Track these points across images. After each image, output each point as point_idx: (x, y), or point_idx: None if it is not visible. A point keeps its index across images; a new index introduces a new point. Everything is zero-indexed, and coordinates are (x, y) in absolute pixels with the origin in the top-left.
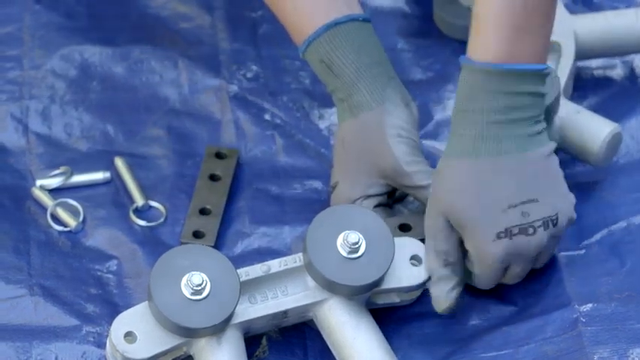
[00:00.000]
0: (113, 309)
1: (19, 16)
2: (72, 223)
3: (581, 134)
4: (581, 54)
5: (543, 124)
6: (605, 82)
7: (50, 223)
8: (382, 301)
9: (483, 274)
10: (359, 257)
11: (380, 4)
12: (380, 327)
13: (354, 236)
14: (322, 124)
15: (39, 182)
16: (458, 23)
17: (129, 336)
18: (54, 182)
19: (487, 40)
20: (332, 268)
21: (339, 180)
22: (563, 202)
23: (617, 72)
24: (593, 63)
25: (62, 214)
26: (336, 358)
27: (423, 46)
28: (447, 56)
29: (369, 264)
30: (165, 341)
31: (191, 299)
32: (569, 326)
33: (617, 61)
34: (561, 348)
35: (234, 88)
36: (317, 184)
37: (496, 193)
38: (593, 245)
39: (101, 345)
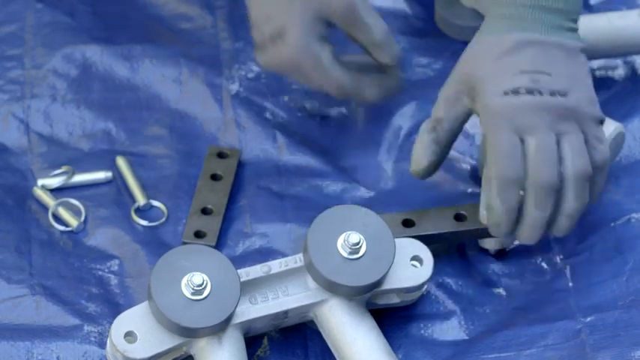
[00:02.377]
0: (114, 309)
1: (20, 15)
2: (73, 222)
3: None
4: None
5: (575, 27)
6: (607, 82)
7: (52, 222)
8: (383, 301)
9: (495, 144)
10: (360, 258)
11: (381, 4)
12: (381, 327)
13: (355, 237)
14: (324, 125)
15: (40, 182)
16: (459, 24)
17: (129, 336)
18: (55, 182)
19: None
20: (332, 268)
21: (284, 24)
22: (580, 90)
23: (619, 72)
24: (595, 64)
25: (64, 213)
26: (337, 358)
27: (424, 46)
28: (448, 56)
29: (370, 265)
30: (166, 341)
31: (191, 299)
32: (572, 335)
33: (618, 61)
34: (563, 355)
35: (235, 87)
36: (319, 183)
37: (511, 59)
38: (596, 244)
39: (102, 345)
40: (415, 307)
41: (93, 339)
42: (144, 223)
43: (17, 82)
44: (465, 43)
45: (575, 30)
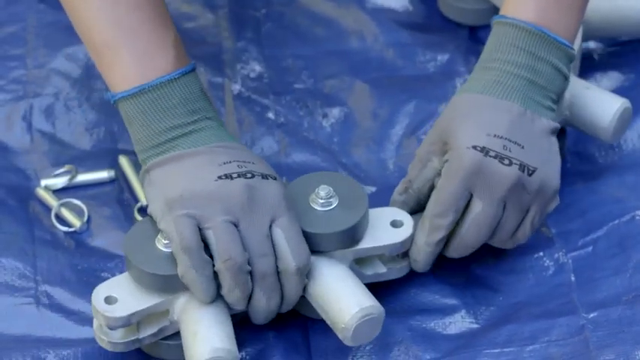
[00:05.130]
0: None
1: (23, 16)
2: (76, 223)
3: (591, 109)
4: (588, 34)
5: (553, 107)
6: (612, 76)
7: (55, 223)
8: (369, 270)
9: (444, 189)
10: (332, 209)
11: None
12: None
13: (324, 189)
14: (326, 122)
15: (43, 182)
16: (462, 7)
17: (109, 299)
18: (58, 182)
19: (526, 1)
20: (306, 221)
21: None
22: (548, 171)
23: (624, 71)
24: (599, 62)
25: (67, 214)
26: (325, 318)
27: (427, 41)
28: (450, 52)
29: (343, 214)
30: (146, 300)
31: (166, 251)
32: (576, 332)
33: (623, 61)
34: (566, 352)
35: (237, 87)
36: None
37: (487, 122)
38: (600, 240)
39: (110, 351)
40: (418, 301)
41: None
42: None
43: (20, 81)
44: (469, 38)
45: (552, 109)
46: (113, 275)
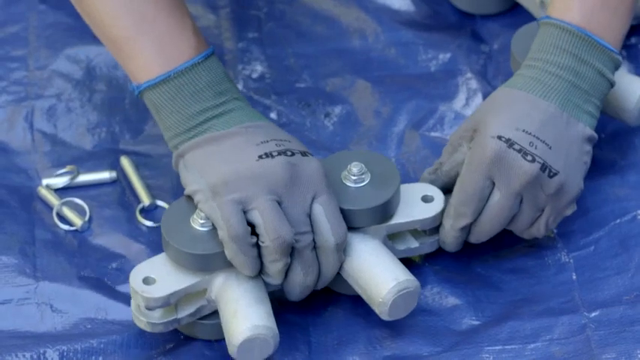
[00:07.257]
0: (120, 310)
1: (24, 16)
2: (78, 222)
3: (616, 92)
4: None
5: (595, 114)
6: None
7: (56, 222)
8: (402, 245)
9: (466, 177)
10: (364, 185)
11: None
12: None
13: (356, 166)
14: (328, 121)
15: (45, 181)
16: None
17: (147, 280)
18: (60, 182)
19: (571, 4)
20: (340, 198)
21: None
22: (570, 177)
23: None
24: None
25: (68, 213)
26: (360, 293)
27: (429, 40)
28: (452, 51)
29: (376, 190)
30: (184, 280)
31: (202, 230)
32: (578, 330)
33: (626, 57)
34: (568, 350)
35: (239, 87)
36: None
37: (519, 116)
38: (602, 239)
39: (108, 345)
40: (420, 300)
41: (101, 342)
42: (149, 223)
43: (21, 83)
44: (472, 37)
45: (593, 115)
46: (114, 274)
